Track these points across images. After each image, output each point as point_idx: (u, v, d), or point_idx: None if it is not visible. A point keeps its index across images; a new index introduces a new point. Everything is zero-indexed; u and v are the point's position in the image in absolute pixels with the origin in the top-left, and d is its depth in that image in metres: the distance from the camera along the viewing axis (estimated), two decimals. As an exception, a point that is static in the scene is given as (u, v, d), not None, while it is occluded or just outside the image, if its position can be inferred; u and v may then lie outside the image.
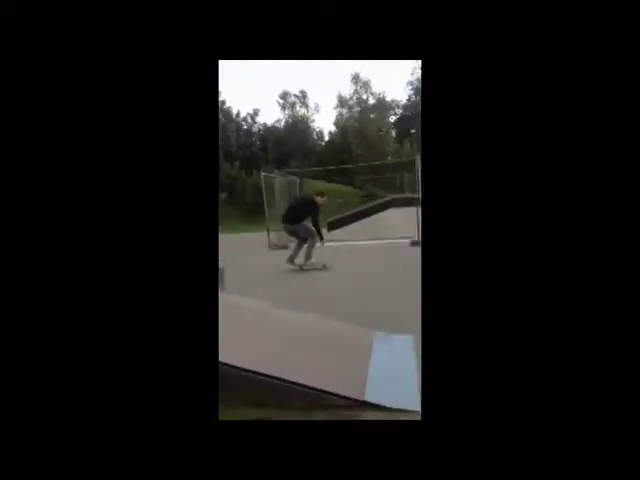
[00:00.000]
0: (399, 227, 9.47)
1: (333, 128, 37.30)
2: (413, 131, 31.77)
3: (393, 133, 37.31)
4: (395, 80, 60.02)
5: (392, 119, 38.37)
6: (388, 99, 37.88)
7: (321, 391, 2.07)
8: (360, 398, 2.08)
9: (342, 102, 36.81)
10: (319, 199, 7.40)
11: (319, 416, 1.99)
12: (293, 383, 2.08)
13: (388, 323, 3.42)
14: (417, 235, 9.44)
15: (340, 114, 36.81)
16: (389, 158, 30.65)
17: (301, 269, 7.15)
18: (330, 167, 22.65)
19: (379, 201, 15.34)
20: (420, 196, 9.95)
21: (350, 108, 36.70)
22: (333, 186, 23.50)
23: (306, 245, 7.29)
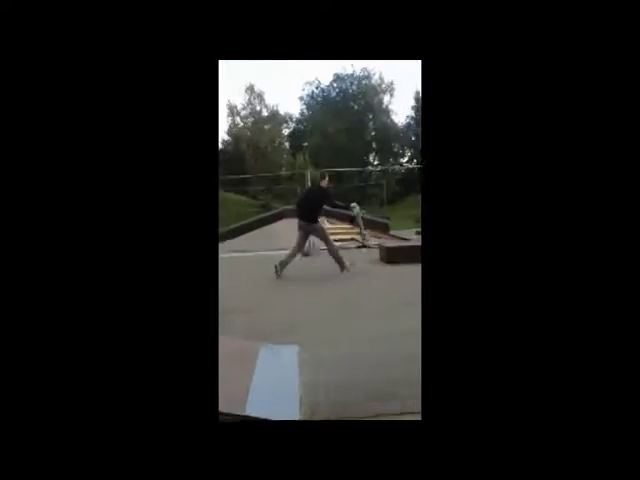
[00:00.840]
0: (291, 238, 9.39)
1: (226, 137, 36.99)
2: (306, 144, 32.15)
3: (287, 145, 37.51)
4: (288, 94, 59.84)
5: (286, 132, 38.61)
6: (282, 112, 38.13)
7: None
8: (241, 413, 2.01)
9: (233, 111, 36.70)
10: (324, 182, 6.87)
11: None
12: None
13: (285, 335, 3.38)
14: (309, 245, 9.41)
15: (233, 123, 36.81)
16: (283, 170, 30.75)
17: (348, 270, 6.57)
18: (224, 177, 22.62)
19: (272, 212, 15.10)
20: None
21: (243, 118, 36.64)
22: (227, 196, 23.59)
23: (327, 249, 6.77)
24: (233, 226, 13.60)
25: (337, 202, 7.18)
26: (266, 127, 35.08)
